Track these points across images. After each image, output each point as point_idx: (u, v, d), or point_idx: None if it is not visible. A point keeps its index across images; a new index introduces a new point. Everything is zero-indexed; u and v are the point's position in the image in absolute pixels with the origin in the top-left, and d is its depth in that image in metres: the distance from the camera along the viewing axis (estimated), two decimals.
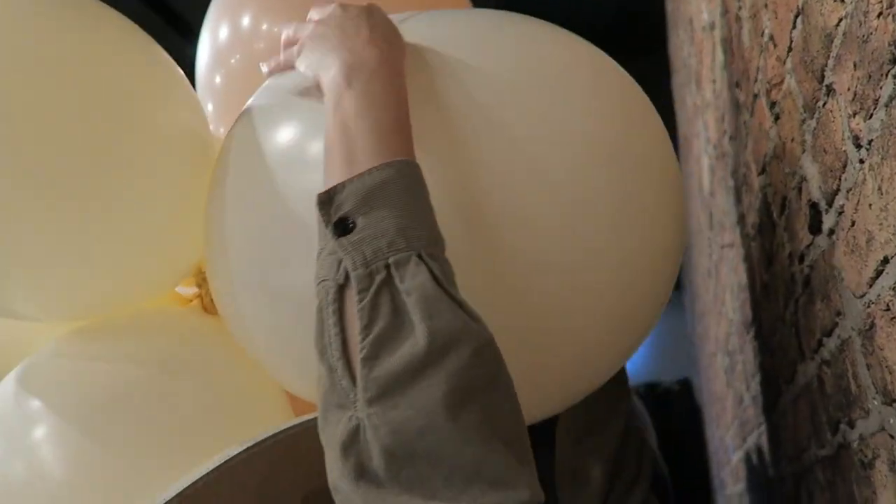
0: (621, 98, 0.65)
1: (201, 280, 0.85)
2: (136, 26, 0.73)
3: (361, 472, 0.41)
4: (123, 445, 0.66)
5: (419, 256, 0.45)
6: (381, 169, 0.47)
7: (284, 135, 0.62)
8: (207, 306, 0.85)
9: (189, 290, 0.88)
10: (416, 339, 0.42)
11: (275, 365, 0.69)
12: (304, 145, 0.60)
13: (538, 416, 0.70)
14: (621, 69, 0.68)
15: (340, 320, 0.44)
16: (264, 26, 0.98)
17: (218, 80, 1.02)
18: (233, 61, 1.00)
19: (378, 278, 0.44)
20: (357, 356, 0.43)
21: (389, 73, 0.54)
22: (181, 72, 0.77)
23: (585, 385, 0.70)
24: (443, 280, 0.44)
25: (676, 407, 3.64)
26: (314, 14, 0.61)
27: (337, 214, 0.47)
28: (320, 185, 0.50)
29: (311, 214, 0.49)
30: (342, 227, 0.46)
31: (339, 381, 0.43)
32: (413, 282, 0.44)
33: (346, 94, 0.52)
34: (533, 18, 0.68)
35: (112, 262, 0.69)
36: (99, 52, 0.67)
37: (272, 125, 0.63)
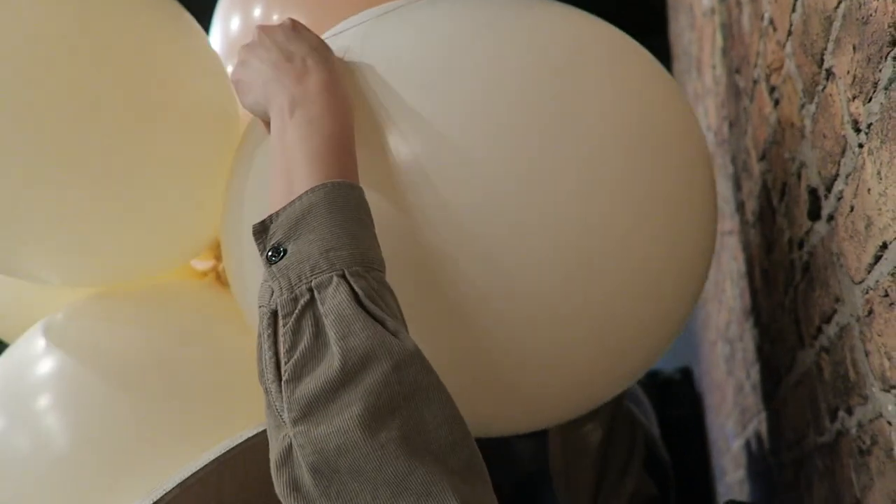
0: (643, 76, 0.65)
1: (217, 254, 0.85)
2: None
3: (295, 488, 0.43)
4: (131, 415, 0.66)
5: (341, 276, 0.46)
6: (310, 193, 0.49)
7: None
8: (223, 279, 0.85)
9: (205, 263, 0.88)
10: (331, 360, 0.43)
11: None
12: None
13: (568, 416, 0.71)
14: (639, 46, 0.67)
15: (274, 345, 0.46)
16: (275, 16, 0.98)
17: (230, 70, 1.03)
18: (233, 27, 1.02)
19: (302, 302, 0.46)
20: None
21: (329, 96, 0.55)
22: (211, 45, 0.77)
23: (613, 386, 0.70)
24: (364, 297, 0.46)
25: (677, 395, 3.63)
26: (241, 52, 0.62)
27: (270, 243, 0.49)
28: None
29: None
30: (276, 255, 0.48)
31: (274, 402, 0.45)
32: (332, 302, 0.45)
33: (288, 125, 0.53)
34: None
35: (132, 231, 0.69)
36: (127, 21, 0.66)
37: None
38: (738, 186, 1.16)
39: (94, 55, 0.63)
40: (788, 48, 0.68)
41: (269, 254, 0.48)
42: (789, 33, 0.67)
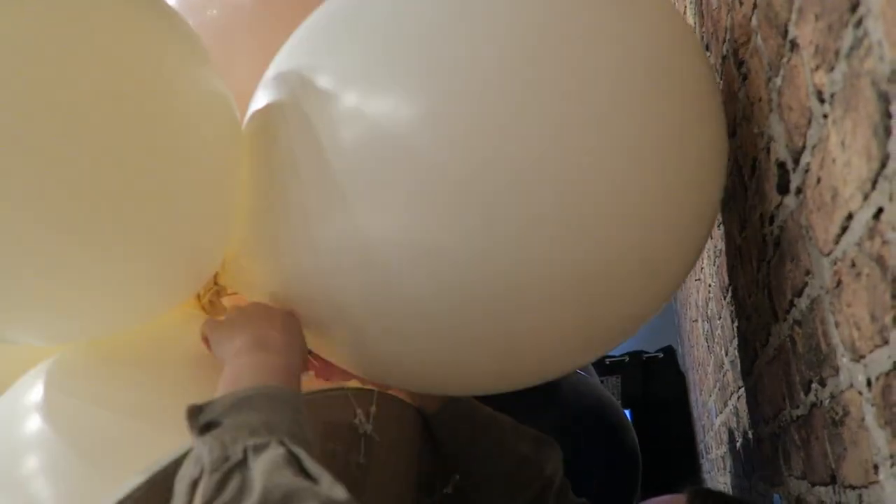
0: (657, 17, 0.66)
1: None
2: None
3: None
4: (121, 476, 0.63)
5: (280, 442, 0.46)
6: (255, 386, 0.52)
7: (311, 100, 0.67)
8: (206, 306, 0.82)
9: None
10: (250, 495, 0.42)
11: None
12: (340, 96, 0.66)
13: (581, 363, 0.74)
14: None
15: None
16: None
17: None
18: None
19: (233, 460, 0.45)
20: None
21: (286, 360, 0.61)
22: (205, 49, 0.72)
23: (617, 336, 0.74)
24: (305, 459, 0.45)
25: (661, 374, 3.67)
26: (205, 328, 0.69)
27: (205, 419, 0.49)
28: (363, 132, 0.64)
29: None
30: (209, 427, 0.49)
31: None
32: (266, 459, 0.44)
33: (244, 356, 0.59)
34: None
35: (132, 282, 0.64)
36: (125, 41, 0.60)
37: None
38: None
39: (85, 75, 0.56)
40: (754, 21, 0.67)
41: (202, 425, 0.48)
42: (754, 6, 0.66)
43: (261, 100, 0.73)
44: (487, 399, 0.90)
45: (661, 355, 3.82)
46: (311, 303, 0.70)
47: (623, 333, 0.74)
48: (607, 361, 3.64)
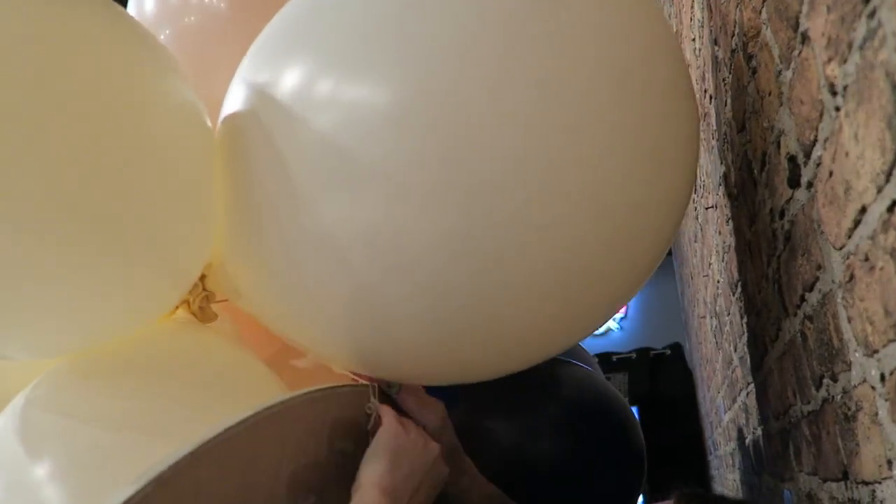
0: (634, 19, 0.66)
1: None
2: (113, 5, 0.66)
3: None
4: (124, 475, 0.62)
5: None
6: None
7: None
8: (196, 312, 0.81)
9: None
10: None
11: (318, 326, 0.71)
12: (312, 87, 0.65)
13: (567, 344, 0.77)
14: None
15: None
16: None
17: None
18: (161, 37, 0.96)
19: None
20: None
21: None
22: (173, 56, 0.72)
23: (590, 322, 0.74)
24: None
25: (669, 371, 3.66)
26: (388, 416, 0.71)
27: None
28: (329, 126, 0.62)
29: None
30: None
31: None
32: None
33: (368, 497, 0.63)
34: None
35: (117, 293, 0.64)
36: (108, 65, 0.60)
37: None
38: (721, 159, 1.16)
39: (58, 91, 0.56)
40: (764, 14, 0.67)
41: None
42: None
43: (230, 105, 0.73)
44: (488, 392, 0.89)
45: (668, 352, 3.82)
46: (292, 303, 0.70)
47: (601, 319, 0.76)
48: (614, 358, 3.64)
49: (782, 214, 0.70)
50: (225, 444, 0.54)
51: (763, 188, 0.79)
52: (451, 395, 1.00)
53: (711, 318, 1.81)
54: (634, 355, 3.69)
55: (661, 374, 3.66)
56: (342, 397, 0.69)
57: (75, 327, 0.65)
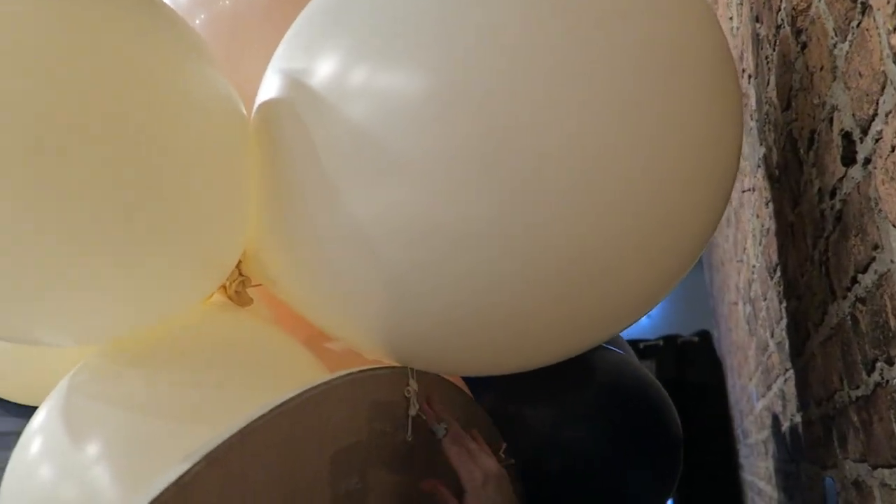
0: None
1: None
2: None
3: None
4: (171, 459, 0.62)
5: None
6: None
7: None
8: (232, 297, 0.82)
9: None
10: None
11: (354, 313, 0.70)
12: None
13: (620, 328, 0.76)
14: None
15: None
16: None
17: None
18: (196, 23, 0.95)
19: None
20: None
21: None
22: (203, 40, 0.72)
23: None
24: None
25: (696, 359, 3.62)
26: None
27: None
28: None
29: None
30: None
31: None
32: None
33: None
34: None
35: (157, 276, 0.64)
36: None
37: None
38: (760, 141, 1.13)
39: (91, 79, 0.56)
40: None
41: None
42: None
43: (265, 93, 0.72)
44: (522, 377, 0.88)
45: (696, 340, 3.77)
46: (324, 292, 0.69)
47: (644, 308, 0.74)
48: (641, 346, 3.61)
49: (833, 194, 0.68)
50: (271, 425, 0.54)
51: (810, 168, 0.77)
52: (485, 381, 0.99)
53: (745, 304, 1.79)
54: (662, 343, 3.65)
55: (689, 361, 3.61)
56: (381, 379, 0.68)
57: (119, 314, 0.65)
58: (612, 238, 0.61)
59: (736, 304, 2.08)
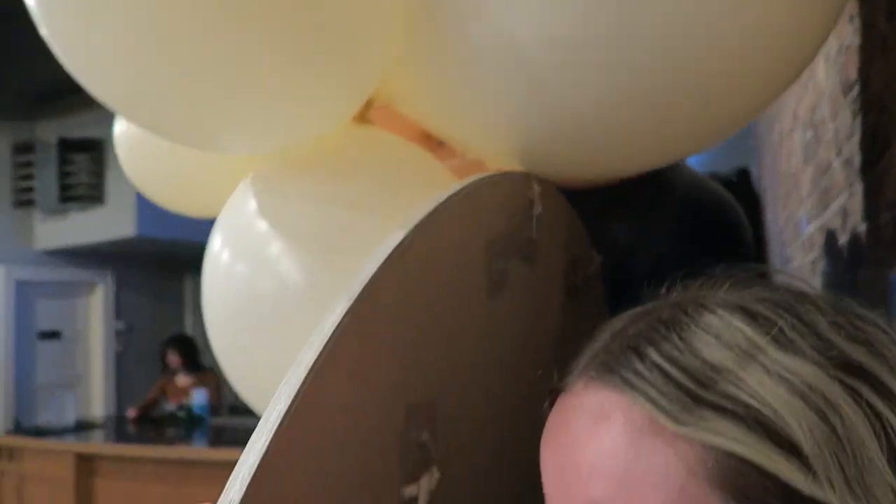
0: None
1: None
2: None
3: None
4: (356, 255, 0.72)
5: None
6: None
7: None
8: (355, 117, 0.87)
9: None
10: None
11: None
12: None
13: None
14: None
15: None
16: None
17: None
18: None
19: None
20: None
21: None
22: None
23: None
24: None
25: (736, 196, 3.67)
26: None
27: None
28: None
29: None
30: None
31: None
32: None
33: None
34: None
35: (314, 84, 0.69)
36: None
37: None
38: None
39: None
40: None
41: None
42: None
43: None
44: (602, 190, 0.95)
45: (735, 178, 3.80)
46: (466, 99, 0.76)
47: (756, 108, 0.79)
48: None
49: None
50: (442, 215, 0.63)
51: None
52: (575, 203, 1.07)
53: (805, 129, 1.82)
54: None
55: None
56: (515, 180, 0.76)
57: (282, 124, 0.73)
58: (743, 29, 0.66)
59: (790, 132, 2.11)
